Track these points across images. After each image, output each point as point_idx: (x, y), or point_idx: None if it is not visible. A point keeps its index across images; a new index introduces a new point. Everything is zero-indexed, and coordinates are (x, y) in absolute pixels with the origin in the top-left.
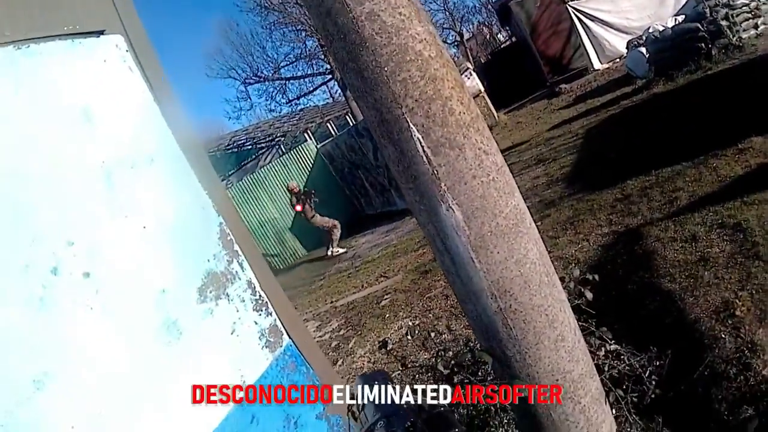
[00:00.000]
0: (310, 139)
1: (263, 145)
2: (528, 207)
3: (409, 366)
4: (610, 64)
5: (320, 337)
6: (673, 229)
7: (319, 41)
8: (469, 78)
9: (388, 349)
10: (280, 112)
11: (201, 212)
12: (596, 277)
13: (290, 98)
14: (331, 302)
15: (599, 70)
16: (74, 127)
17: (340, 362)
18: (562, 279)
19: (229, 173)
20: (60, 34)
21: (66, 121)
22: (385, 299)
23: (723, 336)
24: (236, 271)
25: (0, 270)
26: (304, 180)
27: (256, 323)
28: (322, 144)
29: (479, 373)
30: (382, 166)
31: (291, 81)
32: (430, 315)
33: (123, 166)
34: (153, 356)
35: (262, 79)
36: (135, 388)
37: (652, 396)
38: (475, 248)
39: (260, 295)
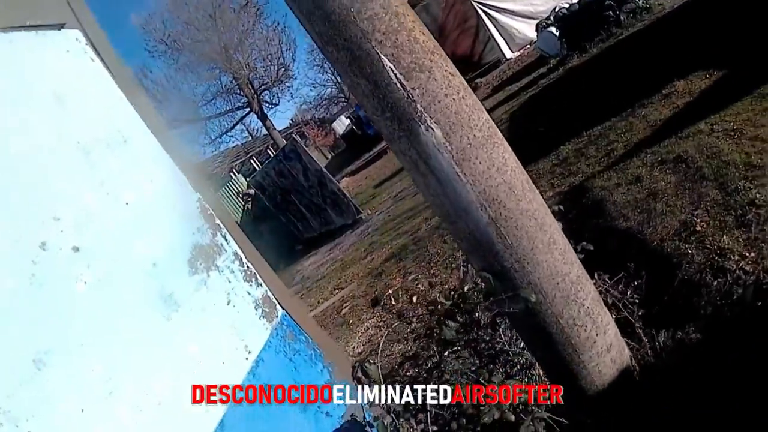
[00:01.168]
0: (235, 177)
1: None
2: None
3: (406, 317)
4: (522, 51)
5: None
6: (615, 176)
7: (233, 75)
8: None
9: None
10: (204, 154)
11: (179, 188)
12: (561, 207)
13: (212, 138)
14: None
15: (512, 58)
16: (48, 109)
17: None
18: None
19: None
20: (24, 25)
21: (39, 104)
22: (345, 307)
23: (690, 251)
24: (221, 244)
25: None
26: (238, 217)
27: (249, 294)
28: (252, 176)
29: (482, 298)
30: (314, 185)
31: (211, 120)
32: (395, 310)
33: (99, 145)
34: (154, 330)
35: (183, 122)
36: (143, 363)
37: (638, 316)
38: (458, 162)
39: (248, 266)
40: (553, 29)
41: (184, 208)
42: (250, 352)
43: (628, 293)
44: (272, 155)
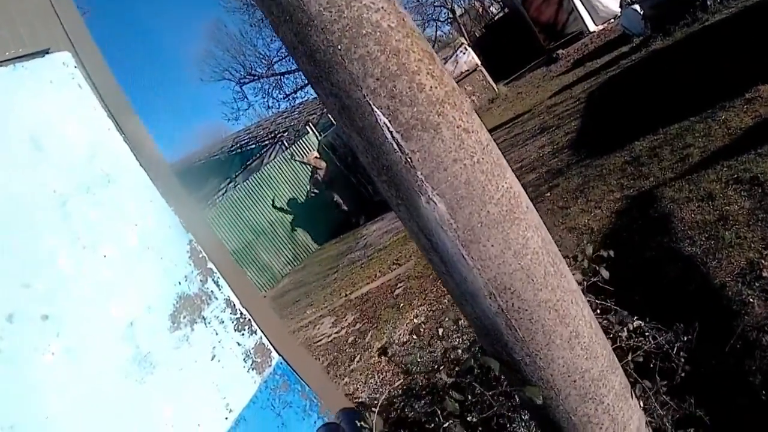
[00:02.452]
0: (313, 131)
1: (266, 142)
2: (536, 178)
3: (413, 373)
4: (605, 25)
5: (336, 333)
6: (687, 188)
7: None
8: (464, 53)
9: (388, 356)
10: (278, 108)
11: (167, 232)
12: (611, 253)
13: (287, 93)
14: (346, 295)
15: (594, 32)
16: (23, 158)
17: (357, 358)
18: (575, 258)
19: (235, 175)
20: (2, 61)
21: (13, 153)
22: (399, 287)
23: (751, 300)
24: (212, 291)
25: None
26: (309, 175)
27: (239, 344)
28: (324, 135)
29: (486, 379)
30: None
31: (286, 76)
32: (445, 301)
33: (78, 191)
34: (125, 396)
35: (256, 78)
36: (106, 429)
37: (682, 374)
38: (465, 243)
39: (241, 313)
40: (636, 7)
41: (172, 254)
42: (231, 411)
43: (675, 348)
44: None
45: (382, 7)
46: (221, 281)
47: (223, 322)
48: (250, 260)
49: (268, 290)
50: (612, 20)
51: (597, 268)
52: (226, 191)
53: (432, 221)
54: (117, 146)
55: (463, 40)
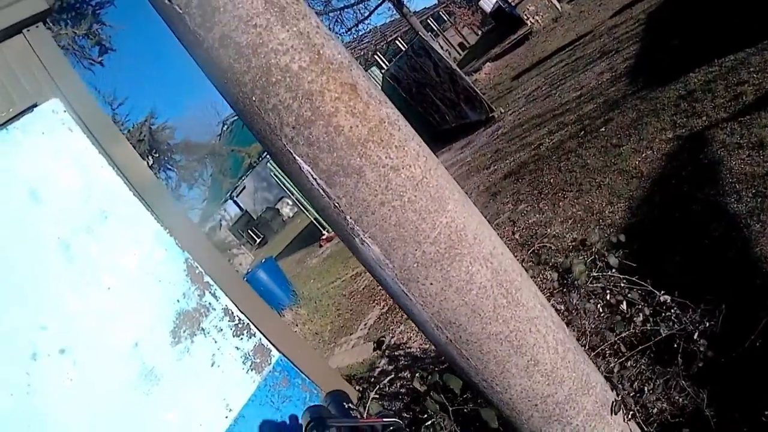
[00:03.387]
0: (381, 60)
1: None
2: (593, 109)
3: (401, 366)
4: None
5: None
6: (739, 132)
7: None
8: None
9: (383, 349)
10: (342, 42)
11: (164, 254)
12: (622, 238)
13: (348, 27)
14: None
15: None
16: (24, 214)
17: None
18: (591, 245)
19: None
20: None
21: (15, 211)
22: None
23: None
24: (209, 303)
25: None
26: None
27: (237, 348)
28: (386, 69)
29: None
30: (446, 81)
31: (345, 10)
32: None
33: (78, 233)
34: (134, 407)
35: (315, 14)
36: None
37: (700, 364)
38: (404, 281)
39: (239, 319)
40: None
41: (169, 274)
42: (230, 410)
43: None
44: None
45: (292, 47)
46: (218, 292)
47: (221, 330)
48: None
49: None
50: None
51: (605, 257)
52: None
53: (370, 260)
54: (110, 180)
55: None
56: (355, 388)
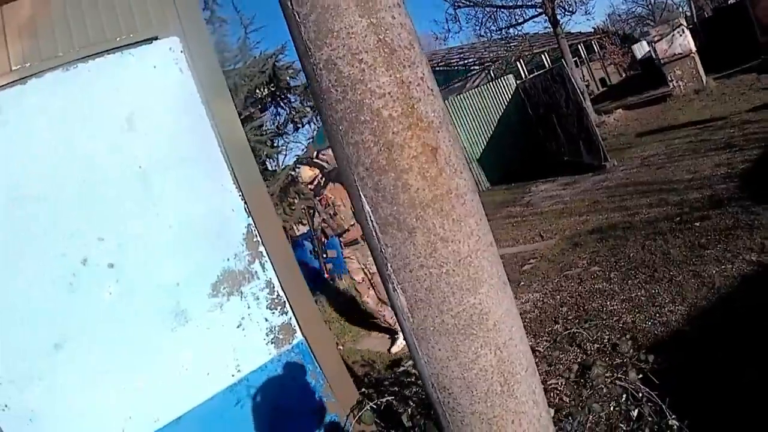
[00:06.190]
0: (522, 68)
1: (475, 68)
2: (695, 199)
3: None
4: None
5: None
6: None
7: None
8: (681, 35)
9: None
10: (489, 38)
11: (230, 213)
12: (651, 358)
13: (500, 26)
14: None
15: None
16: (116, 137)
17: None
18: (614, 347)
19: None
20: (111, 48)
21: (110, 132)
22: (529, 264)
23: None
24: (256, 271)
25: (40, 258)
26: (499, 114)
27: (266, 320)
28: (522, 81)
29: None
30: (573, 115)
31: (501, 9)
32: (558, 297)
33: (159, 168)
34: (157, 336)
35: (472, 4)
36: (136, 357)
37: None
38: (418, 337)
39: (278, 295)
40: None
41: (229, 233)
42: (239, 371)
43: None
44: (547, 66)
45: (389, 93)
46: (267, 264)
47: (258, 299)
48: None
49: None
50: None
51: (629, 368)
52: None
53: (397, 305)
54: (204, 131)
55: (682, 21)
56: (360, 390)
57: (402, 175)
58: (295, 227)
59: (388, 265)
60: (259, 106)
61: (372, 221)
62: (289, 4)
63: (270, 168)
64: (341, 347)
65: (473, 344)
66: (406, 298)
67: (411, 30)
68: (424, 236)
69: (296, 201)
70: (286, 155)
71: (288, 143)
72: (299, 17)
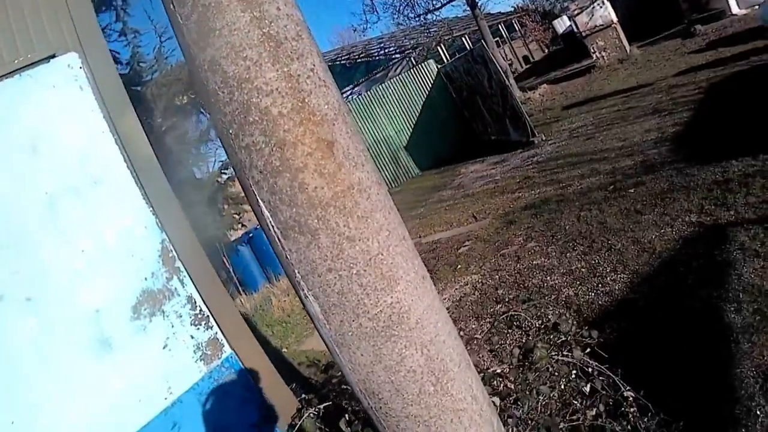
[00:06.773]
0: (443, 52)
1: (396, 56)
2: (629, 166)
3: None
4: (749, 10)
5: None
6: (761, 239)
7: None
8: (601, 7)
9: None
10: (408, 26)
11: (142, 231)
12: (594, 334)
13: (418, 13)
14: (419, 237)
15: (737, 15)
16: (20, 163)
17: None
18: (554, 326)
19: (357, 82)
20: (8, 72)
21: (13, 159)
22: (465, 246)
23: (758, 413)
24: (175, 288)
25: None
26: (423, 100)
27: (192, 337)
28: (443, 65)
29: None
30: (497, 94)
31: None
32: (496, 277)
33: (67, 192)
34: (83, 367)
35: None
36: (65, 391)
37: None
38: (338, 344)
39: (201, 310)
40: None
41: (143, 252)
42: (171, 393)
43: None
44: (468, 48)
45: (276, 89)
46: (186, 280)
47: (181, 316)
48: None
49: None
50: (757, 6)
51: (572, 346)
52: (348, 98)
53: (312, 313)
54: (108, 149)
55: None
56: (297, 398)
57: (298, 175)
58: (227, 234)
59: (296, 271)
60: (181, 115)
61: (273, 227)
62: (171, 5)
63: (199, 175)
64: (285, 349)
65: (396, 345)
66: (319, 304)
67: (299, 20)
68: (328, 237)
69: (225, 207)
70: (214, 161)
71: (216, 149)
72: (181, 18)
